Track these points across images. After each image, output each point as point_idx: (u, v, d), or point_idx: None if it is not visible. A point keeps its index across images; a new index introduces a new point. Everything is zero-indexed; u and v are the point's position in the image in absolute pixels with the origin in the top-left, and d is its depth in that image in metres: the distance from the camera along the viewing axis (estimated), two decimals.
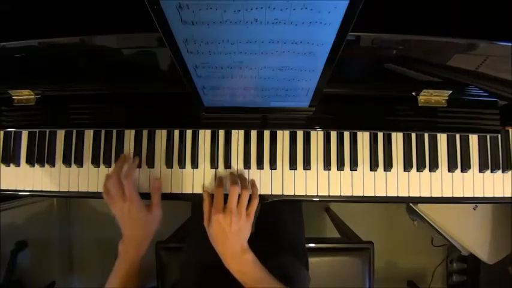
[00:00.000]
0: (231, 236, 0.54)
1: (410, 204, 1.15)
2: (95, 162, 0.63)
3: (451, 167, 0.61)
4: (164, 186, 0.62)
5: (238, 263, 0.54)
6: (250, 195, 0.57)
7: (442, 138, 0.62)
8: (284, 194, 0.61)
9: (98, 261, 1.42)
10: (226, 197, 0.56)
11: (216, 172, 0.62)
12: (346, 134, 0.62)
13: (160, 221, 0.60)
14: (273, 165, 0.61)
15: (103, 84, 0.61)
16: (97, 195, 0.63)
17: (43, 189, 0.64)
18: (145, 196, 0.59)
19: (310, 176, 0.61)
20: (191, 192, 0.62)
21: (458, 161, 0.62)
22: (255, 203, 0.58)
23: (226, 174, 0.62)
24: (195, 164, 0.62)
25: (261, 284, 0.53)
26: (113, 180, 0.56)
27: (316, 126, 0.60)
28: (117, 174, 0.57)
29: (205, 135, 0.63)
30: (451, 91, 0.57)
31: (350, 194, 0.61)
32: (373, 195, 0.61)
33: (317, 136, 0.62)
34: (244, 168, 0.61)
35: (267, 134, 0.62)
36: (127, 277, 0.57)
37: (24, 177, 0.64)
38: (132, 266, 0.57)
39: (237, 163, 0.62)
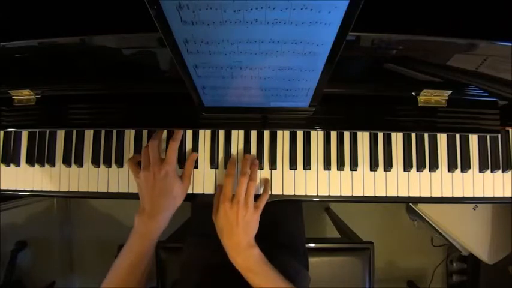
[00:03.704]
0: (236, 228, 0.53)
1: (410, 204, 1.15)
2: (95, 162, 0.63)
3: (451, 167, 0.61)
4: None
5: (243, 257, 0.53)
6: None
7: (442, 138, 0.62)
8: (284, 194, 0.61)
9: (98, 261, 1.42)
10: None
11: (216, 172, 0.62)
12: (346, 134, 0.62)
13: (184, 196, 0.59)
14: (273, 165, 0.61)
15: (103, 84, 0.61)
16: (97, 195, 0.63)
17: (43, 189, 0.64)
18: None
19: (310, 176, 0.61)
20: (191, 192, 0.61)
21: (458, 161, 0.62)
22: (265, 197, 0.58)
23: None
24: (195, 164, 0.62)
25: (268, 282, 0.52)
26: (155, 143, 0.56)
27: (316, 126, 0.60)
28: (158, 138, 0.57)
29: (205, 135, 0.63)
30: (451, 91, 0.57)
31: (350, 194, 0.61)
32: (373, 195, 0.61)
33: (317, 136, 0.62)
34: None
35: (267, 134, 0.62)
36: (141, 256, 0.52)
37: (24, 177, 0.64)
38: (149, 241, 0.52)
39: (237, 163, 0.62)
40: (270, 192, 0.60)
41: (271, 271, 0.53)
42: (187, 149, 0.62)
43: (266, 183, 0.61)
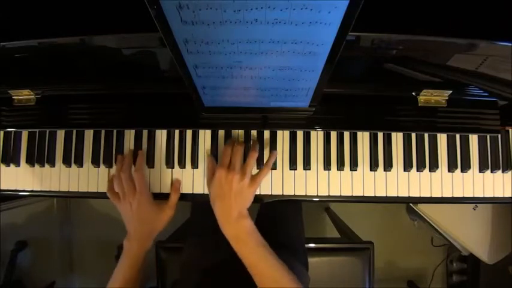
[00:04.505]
0: (229, 196, 0.52)
1: (410, 204, 1.15)
2: (95, 162, 0.63)
3: (451, 167, 0.61)
4: (164, 186, 0.62)
5: (234, 227, 0.52)
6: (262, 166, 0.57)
7: (442, 138, 0.62)
8: (284, 194, 0.61)
9: (98, 261, 1.42)
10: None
11: None
12: (346, 134, 0.62)
13: (170, 222, 0.60)
14: (272, 165, 0.61)
15: (103, 84, 0.61)
16: (97, 195, 0.63)
17: (43, 189, 0.64)
18: None
19: (310, 176, 0.61)
20: (191, 192, 0.61)
21: (458, 161, 0.61)
22: (265, 171, 0.57)
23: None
24: (195, 164, 0.62)
25: (255, 253, 0.51)
26: (126, 175, 0.57)
27: (316, 126, 0.60)
28: (128, 169, 0.58)
29: (205, 135, 0.63)
30: (451, 91, 0.57)
31: (350, 194, 0.61)
32: (373, 195, 0.61)
33: (317, 136, 0.62)
34: None
35: (267, 134, 0.62)
36: (131, 272, 0.56)
37: (24, 177, 0.64)
38: (136, 262, 0.57)
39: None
40: (270, 167, 0.58)
41: (261, 244, 0.52)
42: (187, 149, 0.62)
43: (271, 159, 0.59)
